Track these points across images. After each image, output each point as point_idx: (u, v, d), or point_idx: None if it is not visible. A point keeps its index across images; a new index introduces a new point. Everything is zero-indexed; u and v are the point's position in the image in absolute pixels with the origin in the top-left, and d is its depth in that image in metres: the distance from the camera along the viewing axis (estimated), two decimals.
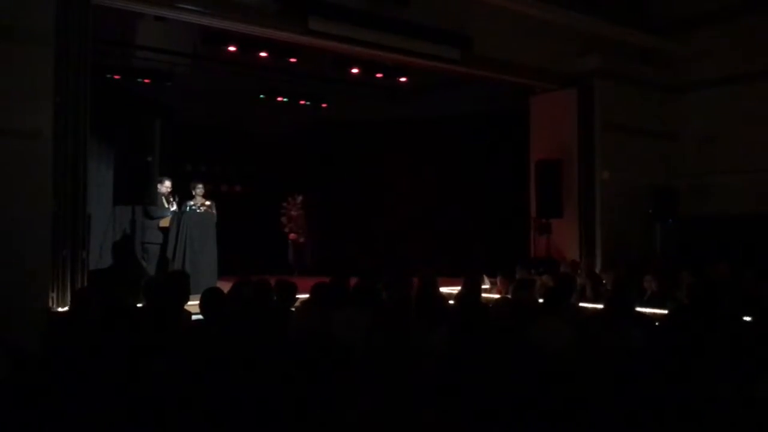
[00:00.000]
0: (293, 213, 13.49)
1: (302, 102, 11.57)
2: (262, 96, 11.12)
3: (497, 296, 6.85)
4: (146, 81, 9.85)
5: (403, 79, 10.30)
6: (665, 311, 5.10)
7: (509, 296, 5.75)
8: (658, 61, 10.85)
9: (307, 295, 5.19)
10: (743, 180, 9.96)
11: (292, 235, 13.36)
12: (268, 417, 2.94)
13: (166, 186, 8.65)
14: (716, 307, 4.63)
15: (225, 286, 5.40)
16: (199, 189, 8.62)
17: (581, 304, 6.01)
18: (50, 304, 6.03)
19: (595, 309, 5.68)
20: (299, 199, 13.54)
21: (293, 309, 5.17)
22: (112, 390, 3.13)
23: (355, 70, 9.66)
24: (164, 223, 8.44)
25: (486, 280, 8.15)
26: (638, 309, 5.22)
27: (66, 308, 6.01)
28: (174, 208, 8.62)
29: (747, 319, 4.50)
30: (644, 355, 3.58)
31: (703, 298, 4.79)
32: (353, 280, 5.44)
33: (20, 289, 5.74)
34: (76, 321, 4.30)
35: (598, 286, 7.12)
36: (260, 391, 3.07)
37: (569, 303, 5.23)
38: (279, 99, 11.31)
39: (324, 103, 11.80)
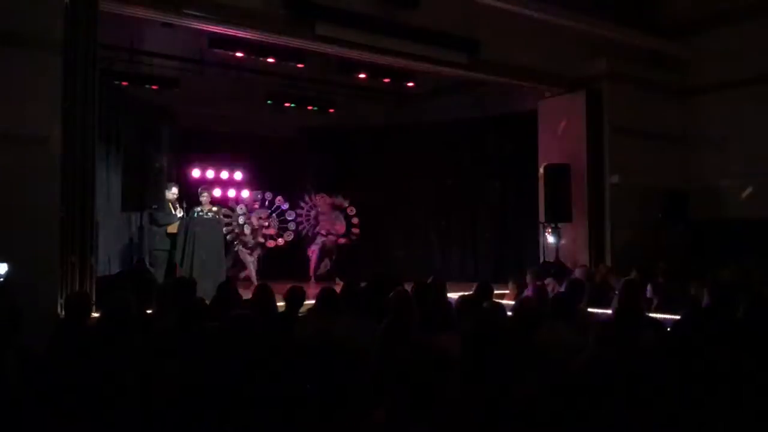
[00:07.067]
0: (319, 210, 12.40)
1: (309, 107, 11.57)
2: (269, 101, 11.12)
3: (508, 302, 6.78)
4: (154, 87, 9.86)
5: (410, 84, 10.27)
6: (676, 316, 5.04)
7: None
8: (667, 64, 10.81)
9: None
10: (753, 183, 9.88)
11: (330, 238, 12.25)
12: (274, 421, 2.92)
13: (172, 192, 8.66)
14: (730, 311, 4.57)
15: None
16: (206, 195, 8.64)
17: (590, 310, 5.96)
18: (59, 310, 6.03)
19: (605, 314, 5.64)
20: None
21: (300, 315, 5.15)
22: (119, 394, 3.12)
23: (362, 75, 9.65)
24: (172, 229, 8.45)
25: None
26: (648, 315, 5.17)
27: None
28: (181, 214, 8.62)
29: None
30: (655, 359, 3.54)
31: (717, 303, 4.74)
32: (362, 286, 5.41)
33: (29, 295, 5.73)
34: (77, 326, 4.31)
35: (607, 291, 7.05)
36: (266, 395, 3.05)
37: (579, 308, 5.18)
38: (286, 104, 11.32)
39: (331, 108, 11.80)
